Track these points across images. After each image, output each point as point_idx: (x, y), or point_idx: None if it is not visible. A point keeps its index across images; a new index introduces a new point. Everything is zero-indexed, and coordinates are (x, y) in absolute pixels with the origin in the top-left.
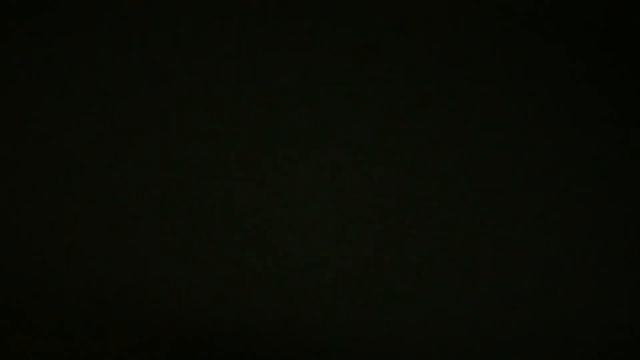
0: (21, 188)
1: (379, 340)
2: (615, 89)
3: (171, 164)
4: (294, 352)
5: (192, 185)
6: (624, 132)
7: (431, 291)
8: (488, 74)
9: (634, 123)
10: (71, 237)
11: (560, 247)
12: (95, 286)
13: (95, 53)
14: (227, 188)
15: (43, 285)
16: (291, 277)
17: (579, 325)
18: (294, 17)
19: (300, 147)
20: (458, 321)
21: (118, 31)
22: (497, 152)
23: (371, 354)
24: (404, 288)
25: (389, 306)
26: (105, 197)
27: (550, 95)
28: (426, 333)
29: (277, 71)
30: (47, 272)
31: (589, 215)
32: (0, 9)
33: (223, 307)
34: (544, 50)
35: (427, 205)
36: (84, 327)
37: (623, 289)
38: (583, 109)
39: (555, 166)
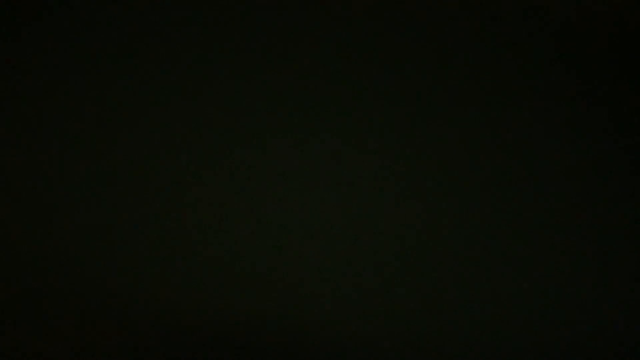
0: (20, 188)
1: (379, 342)
2: (615, 90)
3: (171, 164)
4: (293, 352)
5: (191, 186)
6: (624, 133)
7: (431, 293)
8: (489, 75)
9: (633, 125)
10: (69, 236)
11: (559, 248)
12: (94, 286)
13: (100, 58)
14: (227, 189)
15: (41, 285)
16: (290, 278)
17: (579, 326)
18: (295, 19)
19: (299, 149)
20: (457, 322)
21: (120, 38)
22: (497, 155)
23: (371, 355)
24: (403, 289)
25: (389, 307)
26: (104, 197)
27: (550, 97)
28: (425, 334)
29: (280, 72)
30: (45, 272)
31: (588, 216)
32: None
33: (221, 309)
34: (546, 52)
35: (427, 206)
36: (82, 326)
37: (623, 290)
38: (582, 110)
39: (555, 168)
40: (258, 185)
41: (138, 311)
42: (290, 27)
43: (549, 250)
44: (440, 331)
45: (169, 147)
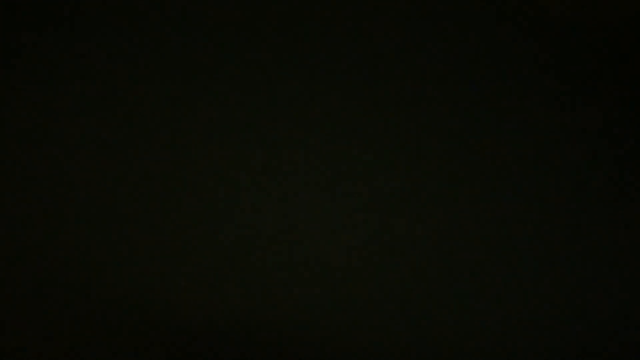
0: (20, 187)
1: (378, 342)
2: (614, 90)
3: (170, 164)
4: (292, 353)
5: (190, 186)
6: (624, 133)
7: (429, 293)
8: (485, 76)
9: (632, 125)
10: (70, 237)
11: (558, 248)
12: (93, 286)
13: (98, 56)
14: (225, 189)
15: (40, 285)
16: (289, 278)
17: (578, 326)
18: (295, 21)
19: (298, 147)
20: (456, 322)
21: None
22: (494, 156)
23: (370, 355)
24: (402, 290)
25: (388, 307)
26: (104, 197)
27: (547, 97)
28: (424, 334)
29: (276, 73)
30: (45, 272)
31: (587, 215)
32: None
33: (221, 309)
34: (543, 53)
35: (426, 206)
36: (81, 327)
37: (622, 290)
38: (581, 109)
39: (554, 167)
40: (257, 185)
41: (137, 311)
42: (289, 27)
43: (549, 250)
44: (440, 332)
45: (169, 148)
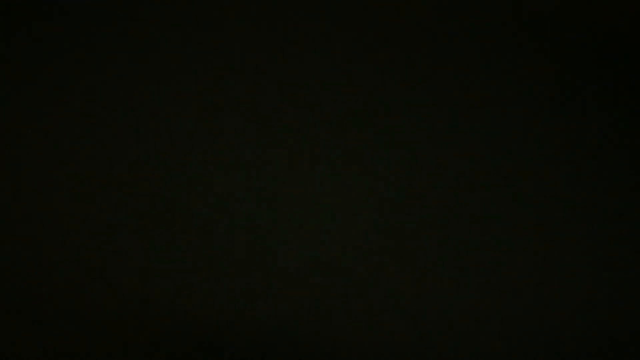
0: (22, 189)
1: (377, 342)
2: (613, 90)
3: (171, 165)
4: (292, 353)
5: (191, 188)
6: (622, 133)
7: (428, 293)
8: (483, 76)
9: (632, 125)
10: (71, 239)
11: (557, 248)
12: (95, 287)
13: (98, 56)
14: (226, 190)
15: (43, 287)
16: (289, 279)
17: (577, 326)
18: (294, 21)
19: (297, 149)
20: (455, 322)
21: (120, 36)
22: (493, 155)
23: (369, 355)
24: (402, 290)
25: (387, 308)
26: (105, 198)
27: (546, 95)
28: (422, 334)
29: (276, 74)
30: (46, 274)
31: (585, 214)
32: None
33: (222, 309)
34: (542, 53)
35: (425, 206)
36: (82, 327)
37: (621, 290)
38: (578, 110)
39: (552, 166)
40: (256, 186)
41: (139, 312)
42: (290, 27)
43: (548, 250)
44: (439, 332)
45: (170, 148)
